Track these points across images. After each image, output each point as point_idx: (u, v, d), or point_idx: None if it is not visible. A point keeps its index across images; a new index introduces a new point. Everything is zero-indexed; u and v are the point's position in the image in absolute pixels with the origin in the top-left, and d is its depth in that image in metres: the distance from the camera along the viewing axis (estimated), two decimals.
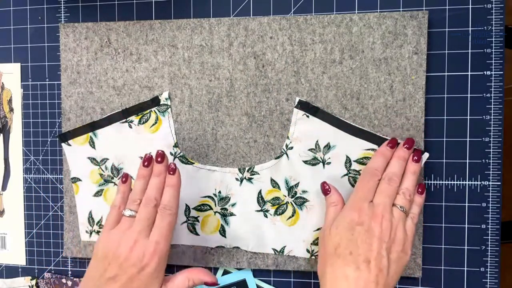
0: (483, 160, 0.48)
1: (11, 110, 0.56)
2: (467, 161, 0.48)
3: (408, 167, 0.45)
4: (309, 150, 0.49)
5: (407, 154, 0.45)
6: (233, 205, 0.51)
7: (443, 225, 0.49)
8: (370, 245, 0.41)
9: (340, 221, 0.43)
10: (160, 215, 0.43)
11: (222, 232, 0.52)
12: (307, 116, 0.49)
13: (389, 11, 0.48)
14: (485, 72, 0.47)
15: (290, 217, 0.50)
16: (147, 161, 0.45)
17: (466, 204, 0.48)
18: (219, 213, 0.51)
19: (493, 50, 0.47)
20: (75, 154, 0.54)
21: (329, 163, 0.49)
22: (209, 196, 0.51)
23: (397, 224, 0.42)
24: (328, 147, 0.49)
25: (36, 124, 0.56)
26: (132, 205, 0.44)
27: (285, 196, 0.50)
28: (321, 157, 0.49)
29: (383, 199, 0.43)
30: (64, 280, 0.56)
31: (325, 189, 0.47)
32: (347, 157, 0.48)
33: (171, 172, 0.45)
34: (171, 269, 0.54)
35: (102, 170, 0.53)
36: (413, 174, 0.45)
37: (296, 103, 0.49)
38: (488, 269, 0.48)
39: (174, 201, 0.44)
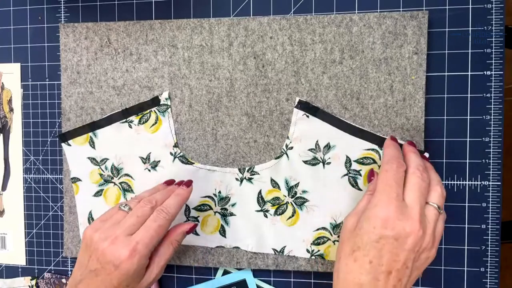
0: (483, 160, 0.48)
1: (11, 110, 0.56)
2: (467, 161, 0.48)
3: (427, 165, 0.43)
4: (309, 150, 0.49)
5: (415, 150, 0.44)
6: (233, 205, 0.51)
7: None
8: (396, 255, 0.36)
9: (364, 221, 0.38)
10: (153, 216, 0.41)
11: (222, 232, 0.52)
12: (307, 116, 0.49)
13: (389, 11, 0.48)
14: (485, 72, 0.47)
15: (290, 217, 0.50)
16: (168, 183, 0.48)
17: (466, 204, 0.48)
18: (219, 213, 0.51)
19: (493, 50, 0.47)
20: (75, 154, 0.54)
21: (329, 163, 0.49)
22: (209, 196, 0.51)
23: (431, 229, 0.38)
24: (328, 147, 0.49)
25: (36, 124, 0.56)
26: (131, 202, 0.44)
27: (285, 196, 0.50)
28: (321, 157, 0.49)
29: (418, 198, 0.38)
30: (64, 280, 0.56)
31: (370, 176, 0.45)
32: (347, 157, 0.48)
33: (185, 186, 0.46)
34: (171, 269, 0.54)
35: (102, 170, 0.53)
36: (434, 172, 0.42)
37: (296, 103, 0.49)
38: (488, 269, 0.48)
39: (175, 208, 0.43)
